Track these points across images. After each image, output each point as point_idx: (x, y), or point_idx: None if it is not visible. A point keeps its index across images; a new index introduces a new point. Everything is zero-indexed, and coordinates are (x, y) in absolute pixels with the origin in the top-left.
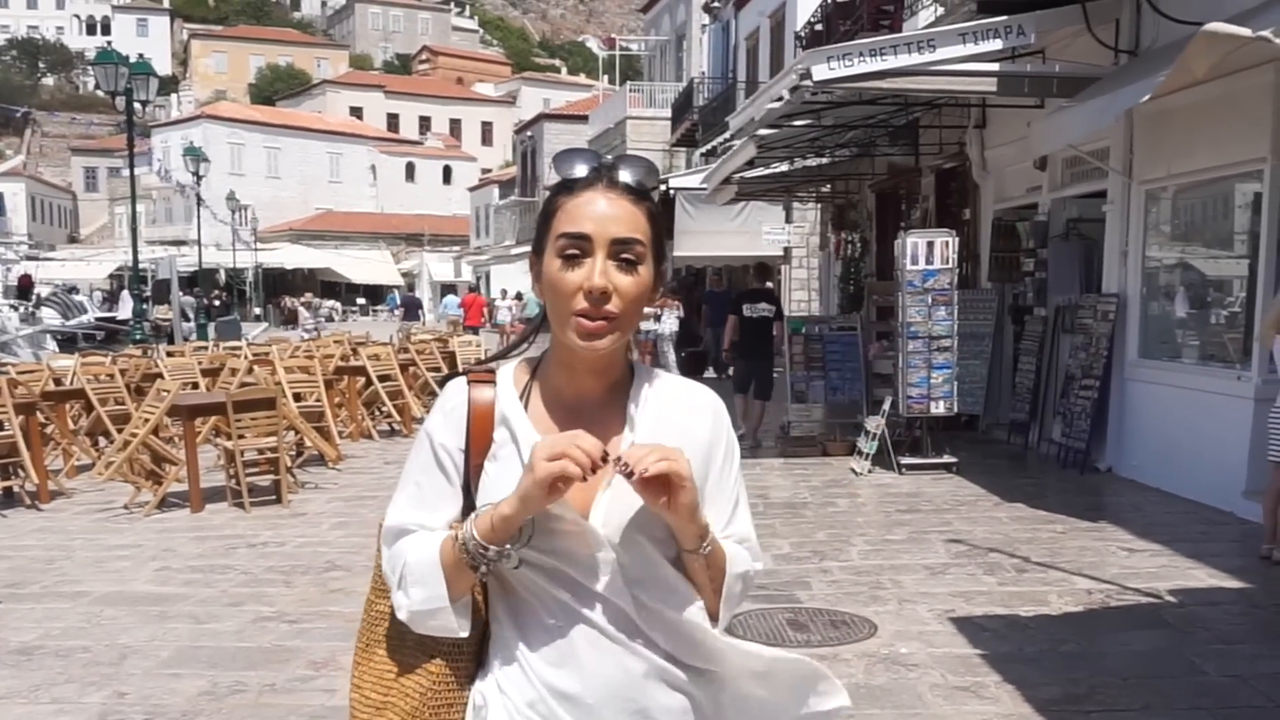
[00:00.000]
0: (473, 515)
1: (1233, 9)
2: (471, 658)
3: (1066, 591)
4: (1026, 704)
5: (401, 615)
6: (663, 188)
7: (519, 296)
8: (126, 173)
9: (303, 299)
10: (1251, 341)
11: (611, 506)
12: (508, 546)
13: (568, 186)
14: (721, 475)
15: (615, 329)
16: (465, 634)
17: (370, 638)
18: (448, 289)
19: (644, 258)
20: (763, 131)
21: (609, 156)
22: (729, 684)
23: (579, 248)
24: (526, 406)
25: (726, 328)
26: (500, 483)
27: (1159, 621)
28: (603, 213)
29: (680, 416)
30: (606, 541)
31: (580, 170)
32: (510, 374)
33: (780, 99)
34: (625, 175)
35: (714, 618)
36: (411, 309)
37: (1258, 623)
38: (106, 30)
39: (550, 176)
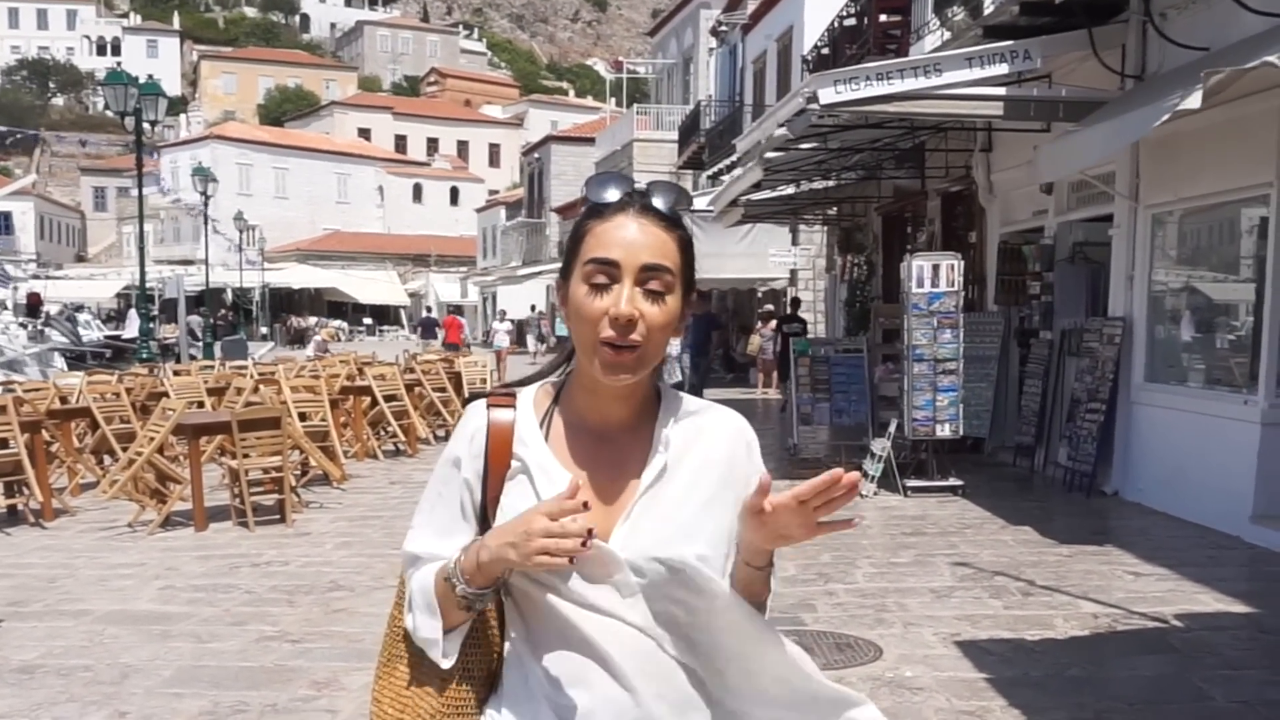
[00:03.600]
0: (460, 552)
1: (1236, 34)
2: (484, 681)
3: (1072, 615)
4: None
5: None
6: None
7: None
8: (135, 192)
9: (324, 328)
10: (1258, 365)
11: (631, 533)
12: (486, 592)
13: (598, 211)
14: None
15: (640, 360)
16: (446, 665)
17: (392, 652)
18: (454, 310)
19: (672, 287)
20: (769, 154)
21: (643, 183)
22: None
23: (607, 274)
24: (548, 433)
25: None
26: (514, 511)
27: (1165, 646)
28: (633, 239)
29: (707, 443)
30: (626, 565)
31: (612, 195)
32: (531, 398)
33: (786, 123)
34: (658, 201)
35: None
36: (428, 328)
37: (1265, 648)
38: (116, 51)
39: (556, 199)
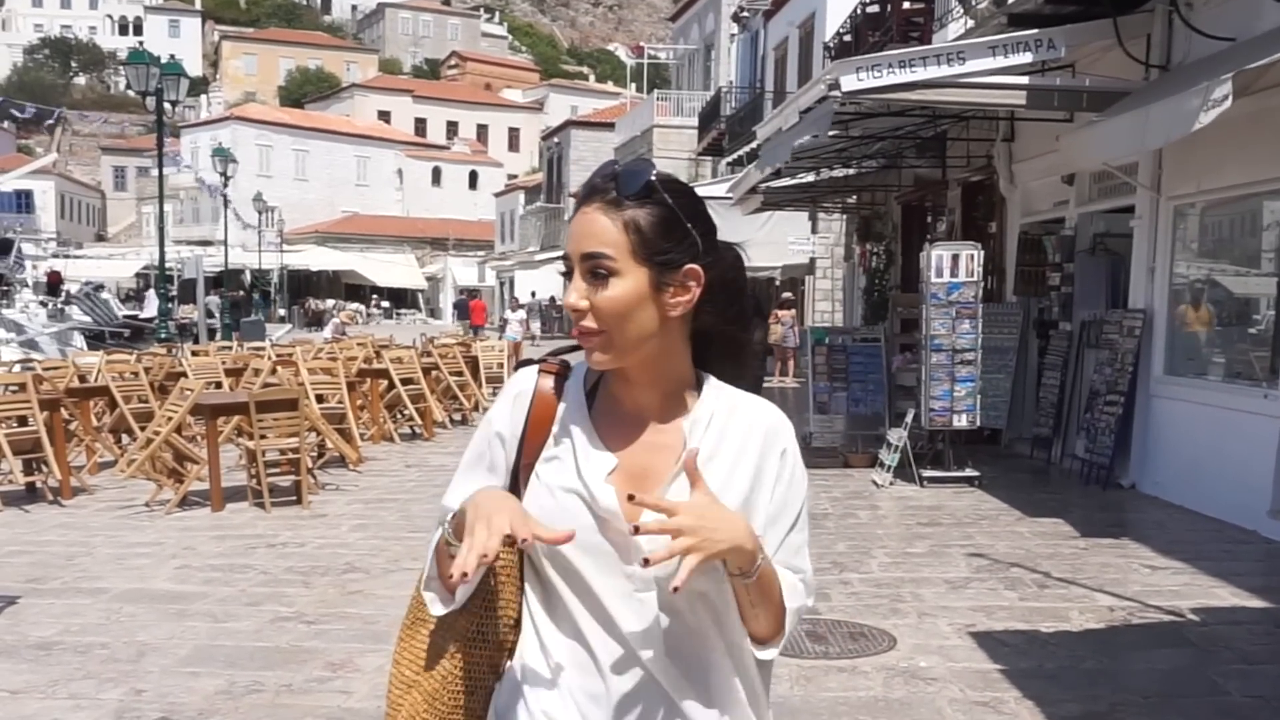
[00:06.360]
0: (456, 510)
1: (1262, 25)
2: (499, 648)
3: (1088, 608)
4: None
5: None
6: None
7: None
8: (155, 172)
9: (342, 310)
10: (1278, 360)
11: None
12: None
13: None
14: (785, 502)
15: (606, 344)
16: (435, 613)
17: (416, 616)
18: (472, 294)
19: (617, 270)
20: (796, 143)
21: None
22: None
23: (568, 269)
24: (591, 410)
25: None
26: (551, 482)
27: (1181, 640)
28: (576, 230)
29: (740, 436)
30: (643, 557)
31: (586, 188)
32: (582, 372)
33: (808, 111)
34: (606, 184)
35: (761, 641)
36: (465, 311)
37: None
38: (138, 30)
39: (574, 184)
